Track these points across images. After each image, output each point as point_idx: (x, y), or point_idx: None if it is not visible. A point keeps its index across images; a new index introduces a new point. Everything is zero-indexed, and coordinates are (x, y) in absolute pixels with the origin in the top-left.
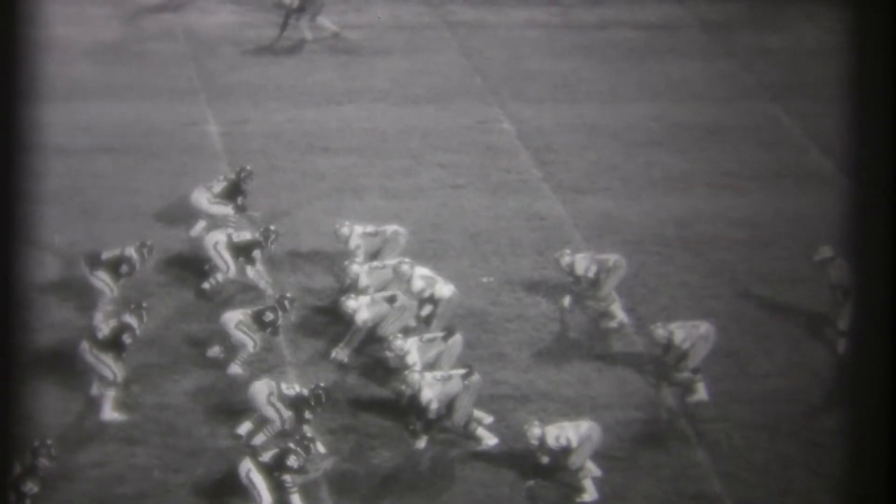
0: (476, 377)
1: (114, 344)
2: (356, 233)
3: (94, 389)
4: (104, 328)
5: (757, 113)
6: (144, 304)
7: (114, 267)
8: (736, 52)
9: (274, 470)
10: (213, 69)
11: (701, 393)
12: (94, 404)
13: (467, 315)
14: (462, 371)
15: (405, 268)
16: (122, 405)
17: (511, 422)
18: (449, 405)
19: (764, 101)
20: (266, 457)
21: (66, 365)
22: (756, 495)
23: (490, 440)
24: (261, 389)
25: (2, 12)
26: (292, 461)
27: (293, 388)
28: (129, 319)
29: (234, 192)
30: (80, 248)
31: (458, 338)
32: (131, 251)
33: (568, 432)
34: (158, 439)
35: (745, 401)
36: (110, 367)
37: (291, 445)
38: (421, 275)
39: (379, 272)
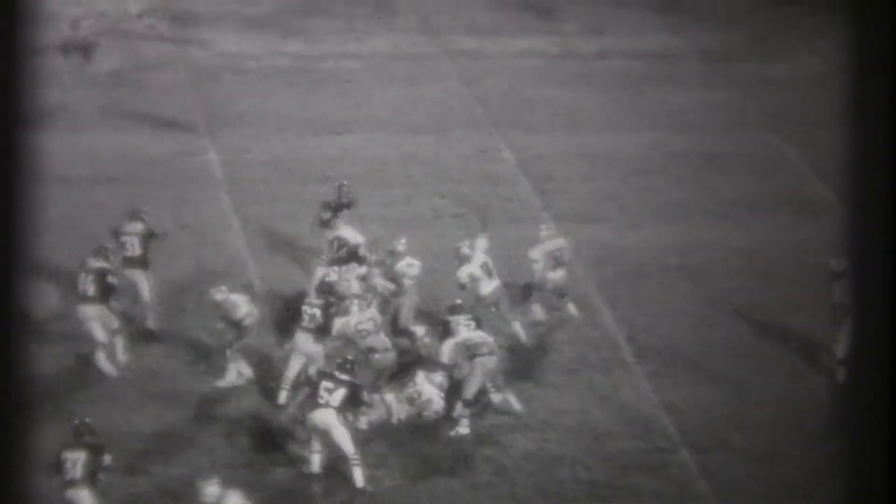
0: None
1: (106, 290)
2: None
3: (101, 360)
4: (88, 286)
5: (756, 142)
6: (107, 245)
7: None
8: (735, 82)
9: (348, 409)
10: (213, 99)
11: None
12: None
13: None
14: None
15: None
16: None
17: (512, 451)
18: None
19: (763, 131)
20: (336, 401)
21: (63, 395)
22: None
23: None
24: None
25: (3, 41)
26: (365, 395)
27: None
28: (98, 263)
29: (335, 211)
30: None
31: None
32: (136, 225)
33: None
34: (159, 469)
35: (745, 429)
36: (110, 316)
37: (355, 381)
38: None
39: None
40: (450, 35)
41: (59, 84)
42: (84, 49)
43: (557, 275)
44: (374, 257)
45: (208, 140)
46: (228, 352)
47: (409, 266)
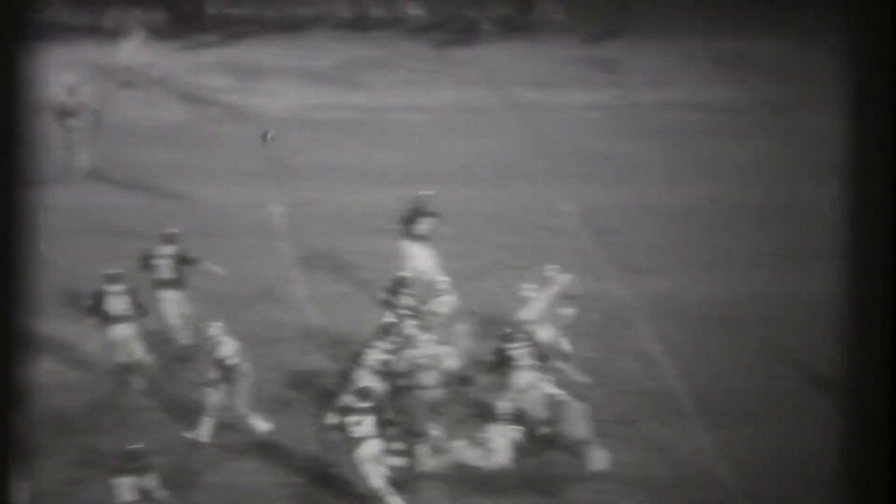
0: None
1: (138, 310)
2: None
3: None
4: (119, 305)
5: (819, 193)
6: (118, 271)
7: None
8: (798, 133)
9: (382, 433)
10: (277, 151)
11: None
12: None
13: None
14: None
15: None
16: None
17: (568, 501)
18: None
19: (826, 181)
20: (369, 430)
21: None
22: None
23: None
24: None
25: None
26: (390, 414)
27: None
28: (120, 286)
29: (411, 221)
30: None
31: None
32: (168, 248)
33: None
34: None
35: (806, 481)
36: (137, 341)
37: (375, 404)
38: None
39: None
40: (513, 88)
41: (132, 139)
42: (75, 114)
43: (568, 311)
44: (416, 291)
45: (273, 191)
46: (207, 395)
47: (439, 303)
